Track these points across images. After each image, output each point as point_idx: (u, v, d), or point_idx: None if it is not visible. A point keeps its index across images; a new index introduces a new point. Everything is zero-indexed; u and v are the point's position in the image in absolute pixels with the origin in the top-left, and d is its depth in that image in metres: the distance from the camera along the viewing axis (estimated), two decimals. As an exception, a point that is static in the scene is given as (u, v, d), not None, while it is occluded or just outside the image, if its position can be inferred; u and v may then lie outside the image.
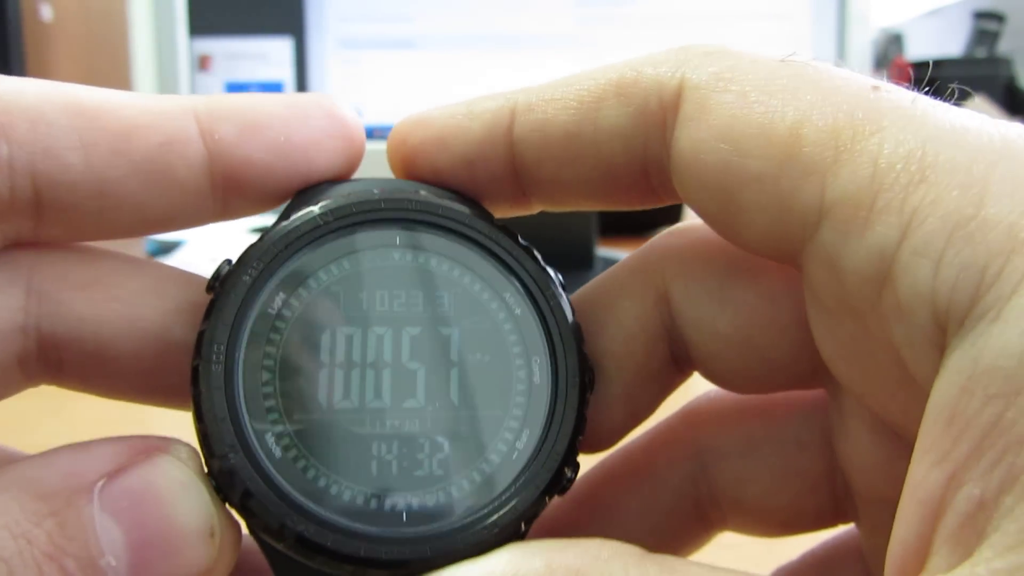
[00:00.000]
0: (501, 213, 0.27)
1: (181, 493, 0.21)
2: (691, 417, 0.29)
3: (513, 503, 0.22)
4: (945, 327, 0.18)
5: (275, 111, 0.24)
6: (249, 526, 0.22)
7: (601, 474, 0.29)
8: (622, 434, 0.27)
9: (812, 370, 0.25)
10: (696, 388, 0.29)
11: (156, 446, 0.21)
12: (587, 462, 0.28)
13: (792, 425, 0.27)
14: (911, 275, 0.18)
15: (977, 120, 0.20)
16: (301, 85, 0.90)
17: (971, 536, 0.17)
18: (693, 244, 0.26)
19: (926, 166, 0.18)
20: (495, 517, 0.22)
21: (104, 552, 0.19)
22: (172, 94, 0.89)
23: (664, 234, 0.27)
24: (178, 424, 0.25)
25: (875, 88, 0.21)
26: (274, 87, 0.90)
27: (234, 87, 0.90)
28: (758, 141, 0.21)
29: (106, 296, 0.24)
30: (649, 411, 0.27)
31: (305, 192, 0.25)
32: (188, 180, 0.23)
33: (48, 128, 0.22)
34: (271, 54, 0.89)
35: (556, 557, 0.20)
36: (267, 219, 0.25)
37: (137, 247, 1.11)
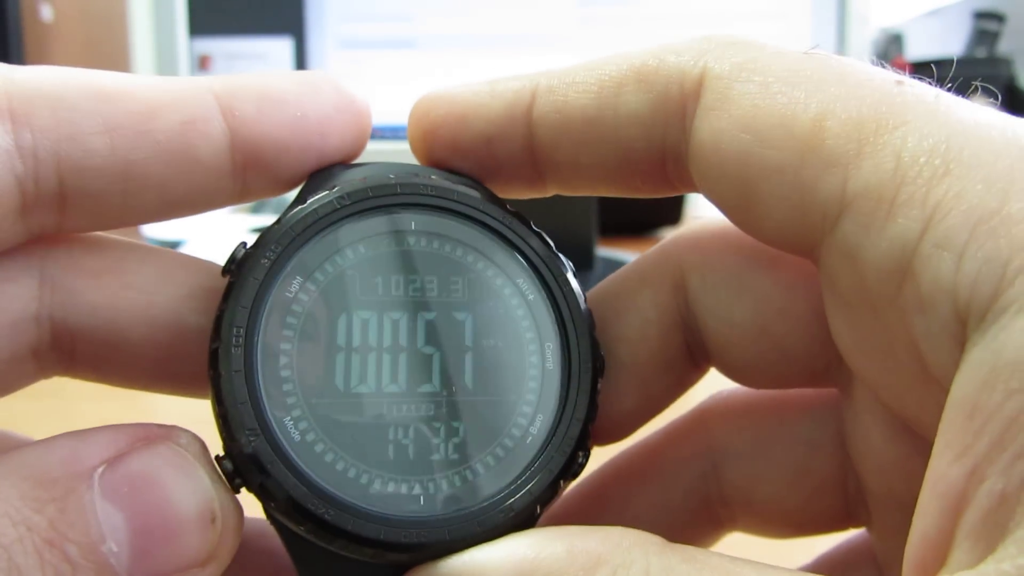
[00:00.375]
0: (516, 195, 0.27)
1: (182, 479, 0.21)
2: (703, 416, 0.29)
3: (528, 487, 0.23)
4: (966, 321, 0.18)
5: (289, 87, 0.24)
6: (267, 509, 0.22)
7: (612, 470, 0.29)
8: (635, 425, 0.27)
9: (826, 365, 0.25)
10: (708, 388, 0.29)
11: (156, 433, 0.21)
12: (599, 457, 0.29)
13: (804, 426, 0.27)
14: (932, 268, 0.18)
15: (1000, 117, 0.19)
16: (301, 85, 0.90)
17: (993, 531, 0.17)
18: (712, 237, 0.26)
19: (950, 160, 0.18)
20: (511, 501, 0.22)
21: (105, 538, 0.19)
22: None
23: (683, 229, 0.27)
24: (181, 419, 0.25)
25: (899, 83, 0.21)
26: (274, 87, 0.90)
27: (234, 87, 0.90)
28: (780, 132, 0.21)
29: (119, 284, 0.24)
30: (663, 403, 0.27)
31: (318, 175, 0.25)
32: (210, 159, 0.23)
33: (71, 113, 0.21)
34: (271, 54, 0.89)
35: (577, 542, 0.20)
36: (267, 219, 0.25)
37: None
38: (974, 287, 0.18)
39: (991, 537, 0.17)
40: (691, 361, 0.27)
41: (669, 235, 0.27)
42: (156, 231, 1.38)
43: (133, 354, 0.24)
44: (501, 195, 0.26)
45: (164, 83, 0.23)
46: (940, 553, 0.18)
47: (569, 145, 0.24)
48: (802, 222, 0.21)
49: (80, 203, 0.22)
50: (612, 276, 0.27)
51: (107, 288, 0.24)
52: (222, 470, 0.22)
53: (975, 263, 0.18)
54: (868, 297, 0.20)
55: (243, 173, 0.24)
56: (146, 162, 0.22)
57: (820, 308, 0.24)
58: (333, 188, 0.24)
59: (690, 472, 0.28)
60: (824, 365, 0.25)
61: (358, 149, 0.26)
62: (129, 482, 0.20)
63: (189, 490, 0.21)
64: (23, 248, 0.23)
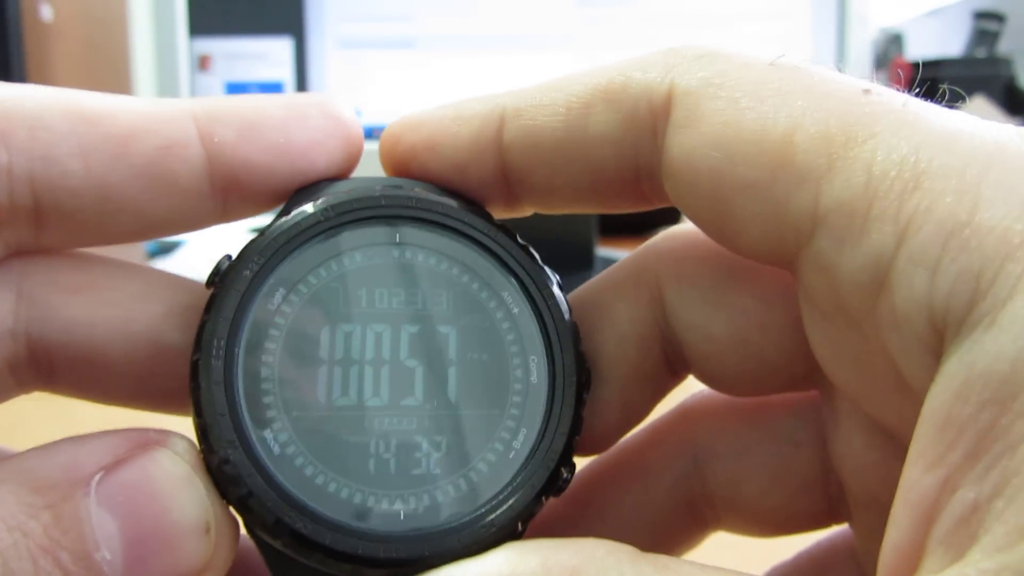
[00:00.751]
0: (496, 215, 0.27)
1: (177, 488, 0.20)
2: (685, 416, 0.29)
3: (510, 503, 0.22)
4: (942, 334, 0.18)
5: (274, 112, 0.24)
6: (247, 523, 0.22)
7: (595, 472, 0.29)
8: (617, 437, 0.27)
9: (807, 372, 0.25)
10: (691, 387, 0.29)
11: (154, 439, 0.21)
12: (582, 459, 0.28)
13: (786, 425, 0.27)
14: (907, 283, 0.18)
15: (970, 123, 0.20)
16: (301, 85, 0.90)
17: (964, 539, 0.17)
18: (687, 247, 0.26)
19: (920, 172, 0.18)
20: (492, 517, 0.22)
21: (100, 546, 0.19)
22: (172, 95, 0.89)
23: (658, 237, 0.27)
24: (173, 427, 0.25)
25: (866, 92, 0.21)
26: (274, 87, 0.90)
27: (234, 87, 0.90)
28: (750, 149, 0.21)
29: (97, 300, 0.23)
30: (643, 413, 0.27)
31: (304, 190, 0.25)
32: (188, 183, 0.23)
33: (48, 134, 0.21)
34: (271, 54, 0.89)
35: (552, 556, 0.20)
36: (267, 219, 0.25)
37: (137, 247, 1.11)
38: (948, 300, 0.18)
39: (961, 545, 0.17)
40: (670, 370, 0.27)
41: (645, 244, 0.27)
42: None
43: (112, 371, 0.24)
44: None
45: (144, 106, 0.23)
46: (912, 562, 0.18)
47: (542, 168, 0.24)
48: (777, 237, 0.21)
49: (56, 221, 0.22)
50: (586, 286, 0.27)
51: (85, 305, 0.23)
52: None
53: (949, 277, 0.18)
54: (844, 310, 0.20)
55: (223, 196, 0.24)
56: (122, 185, 0.22)
57: (798, 318, 0.23)
58: (317, 200, 0.24)
59: (673, 472, 0.28)
60: (804, 372, 0.25)
61: (348, 170, 0.25)
62: (125, 490, 0.20)
63: (185, 499, 0.20)
64: (1, 264, 0.23)
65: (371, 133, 0.91)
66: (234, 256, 0.23)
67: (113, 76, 1.45)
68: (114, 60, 1.42)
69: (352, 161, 0.25)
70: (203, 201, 0.24)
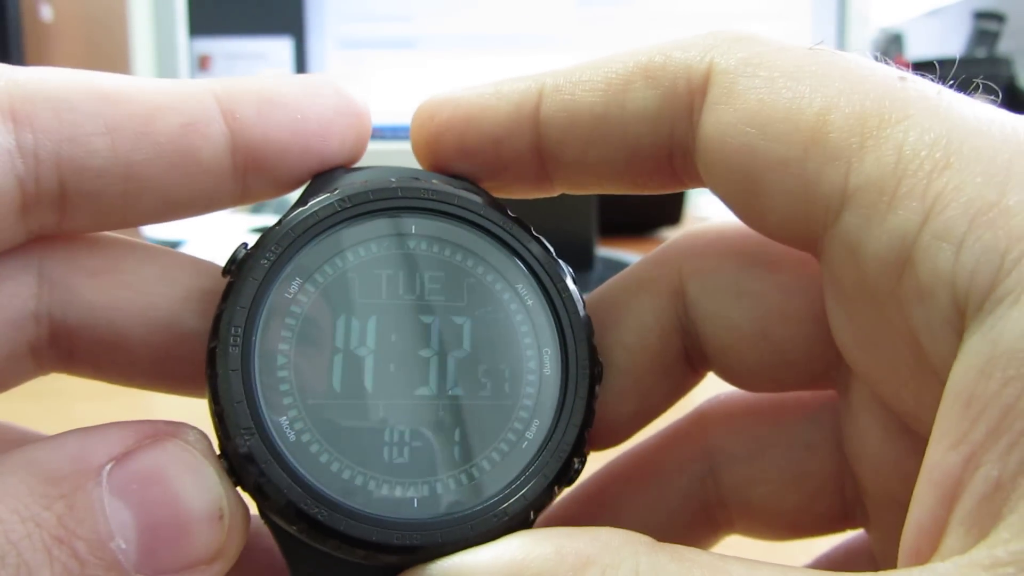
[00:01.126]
0: (521, 195, 0.27)
1: (190, 476, 0.21)
2: (701, 419, 0.29)
3: (522, 492, 0.23)
4: (964, 311, 0.18)
5: (289, 91, 0.24)
6: (261, 509, 0.22)
7: (610, 473, 0.29)
8: (632, 430, 0.27)
9: (825, 367, 0.25)
10: (707, 391, 0.29)
11: (164, 430, 0.21)
12: (597, 461, 0.29)
13: (802, 428, 0.27)
14: (932, 259, 0.18)
15: (1000, 114, 0.20)
16: (301, 85, 0.90)
17: (987, 517, 0.17)
18: (710, 241, 0.26)
19: (950, 153, 0.19)
20: (504, 506, 0.22)
21: (114, 534, 0.19)
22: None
23: (681, 234, 0.27)
24: (182, 417, 0.25)
25: (902, 79, 0.21)
26: (274, 87, 0.90)
27: (234, 87, 0.90)
28: (785, 126, 0.21)
29: (118, 283, 0.24)
30: (660, 409, 0.27)
31: (320, 178, 0.25)
32: (211, 161, 0.23)
33: (72, 115, 0.21)
34: (271, 54, 0.90)
35: (566, 543, 0.20)
36: (268, 219, 0.25)
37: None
38: (972, 277, 0.18)
39: (984, 524, 0.17)
40: (689, 366, 0.27)
41: (667, 240, 0.27)
42: (156, 231, 1.38)
43: (130, 353, 0.24)
44: (507, 196, 0.26)
45: (165, 85, 0.23)
46: (934, 540, 0.18)
47: (576, 143, 0.24)
48: (805, 214, 0.21)
49: (81, 203, 0.22)
50: (610, 281, 0.28)
51: (106, 287, 0.24)
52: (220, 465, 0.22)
53: (973, 254, 0.18)
54: (868, 289, 0.21)
55: (244, 175, 0.24)
56: (147, 163, 0.22)
57: (819, 311, 0.24)
58: (334, 191, 0.24)
59: (688, 475, 0.28)
60: (823, 367, 0.25)
61: (359, 151, 0.26)
62: (137, 479, 0.20)
63: (197, 487, 0.21)
64: (23, 246, 0.23)
65: (371, 133, 0.91)
66: (251, 245, 0.23)
67: (113, 76, 1.44)
68: (114, 60, 1.42)
69: (362, 141, 0.26)
70: (224, 179, 0.24)
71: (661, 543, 0.20)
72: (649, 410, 0.27)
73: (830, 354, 0.24)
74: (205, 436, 0.22)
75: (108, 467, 0.20)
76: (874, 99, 0.20)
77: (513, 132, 0.25)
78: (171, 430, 0.21)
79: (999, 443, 0.17)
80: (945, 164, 0.19)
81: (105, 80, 0.22)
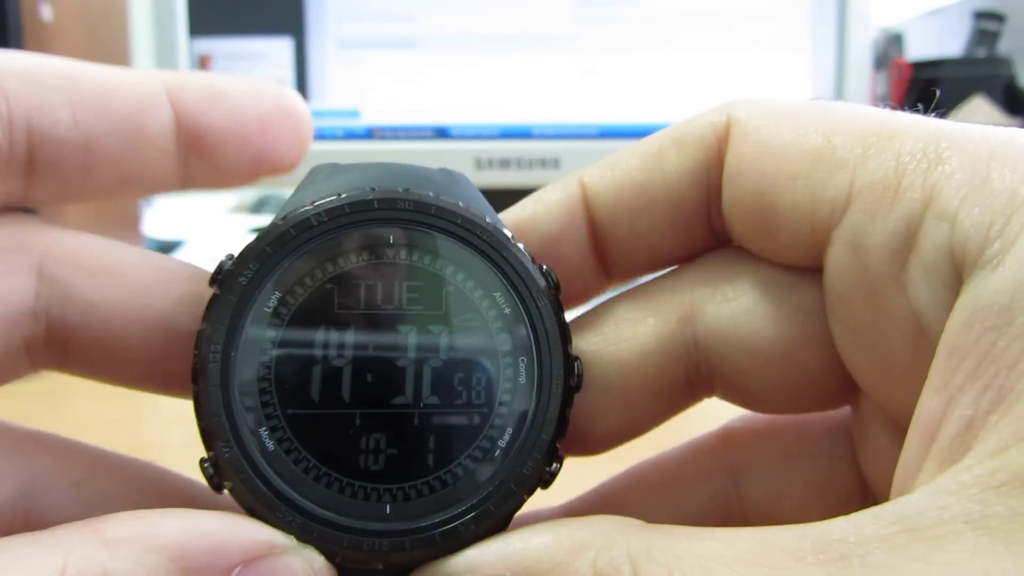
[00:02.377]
0: (582, 297, 0.28)
1: None
2: (727, 435, 0.30)
3: (492, 500, 0.23)
4: (962, 276, 0.20)
5: (234, 85, 0.26)
6: (249, 514, 0.23)
7: (631, 479, 0.30)
8: (617, 441, 0.28)
9: (841, 385, 0.26)
10: (731, 408, 0.29)
11: (294, 547, 0.22)
12: (616, 464, 0.29)
13: (826, 440, 0.28)
14: (932, 236, 0.21)
15: (983, 126, 0.22)
16: (301, 85, 0.90)
17: (958, 452, 0.18)
18: (724, 266, 0.27)
19: (942, 151, 0.21)
20: (474, 514, 0.23)
21: None
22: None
23: (696, 261, 0.28)
24: (183, 419, 0.25)
25: (894, 109, 0.24)
26: (274, 87, 0.90)
27: (234, 87, 0.90)
28: (793, 149, 0.24)
29: (116, 284, 0.24)
30: (647, 426, 0.28)
31: (318, 169, 0.26)
32: (159, 140, 0.24)
33: (40, 88, 0.23)
34: (271, 54, 0.90)
35: (562, 531, 0.21)
36: (267, 219, 0.26)
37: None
38: (965, 247, 0.20)
39: (955, 457, 0.18)
40: (687, 390, 0.27)
41: (680, 266, 0.28)
42: (157, 231, 1.38)
43: (126, 353, 0.25)
44: (566, 299, 0.27)
45: (120, 71, 0.25)
46: (913, 480, 0.19)
47: (626, 216, 0.26)
48: (812, 224, 0.23)
49: (45, 172, 0.24)
50: (616, 297, 0.28)
51: (104, 288, 0.24)
52: (203, 472, 0.23)
53: (964, 227, 0.20)
54: (869, 284, 0.22)
55: (186, 158, 0.25)
56: (104, 137, 0.24)
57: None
58: (312, 203, 0.24)
59: (709, 488, 0.29)
60: (839, 385, 0.26)
61: (299, 150, 0.27)
62: None
63: None
64: (23, 242, 0.24)
65: (371, 133, 0.91)
66: (234, 257, 0.24)
67: (113, 76, 1.44)
68: (114, 60, 1.41)
69: (302, 142, 0.27)
70: (171, 160, 0.25)
71: (651, 524, 0.21)
72: (634, 426, 0.28)
73: (845, 372, 0.25)
74: (328, 566, 0.23)
75: (236, 571, 0.21)
76: (871, 123, 0.23)
77: (570, 224, 0.27)
78: (297, 547, 0.22)
79: (975, 385, 0.18)
80: (938, 160, 0.21)
81: (68, 63, 0.24)
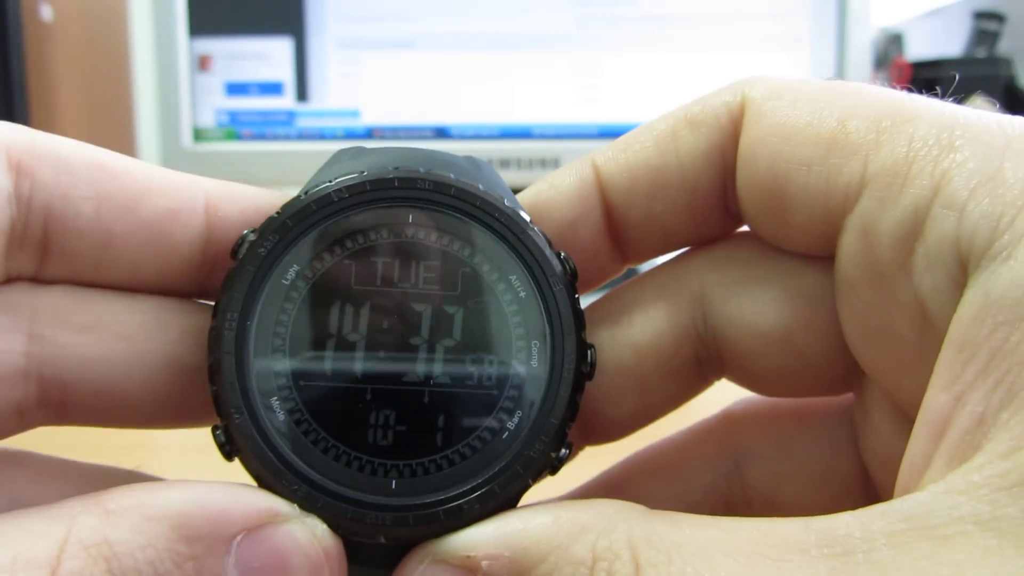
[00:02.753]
0: (599, 279, 0.28)
1: (307, 570, 0.22)
2: (729, 419, 0.30)
3: (496, 482, 0.23)
4: (967, 269, 0.20)
5: (275, 203, 0.25)
6: (258, 484, 0.23)
7: (635, 463, 0.30)
8: (630, 428, 0.28)
9: (844, 372, 0.26)
10: (734, 391, 0.29)
11: (297, 515, 0.22)
12: (622, 451, 0.29)
13: (827, 427, 0.28)
14: (939, 226, 0.20)
15: (994, 114, 0.22)
16: (301, 85, 0.90)
17: (968, 449, 0.18)
18: (733, 252, 0.27)
19: (955, 139, 0.21)
20: (478, 494, 0.23)
21: None
22: (172, 95, 0.89)
23: (705, 247, 0.28)
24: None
25: (910, 91, 0.23)
26: (274, 87, 0.90)
27: (234, 87, 0.90)
28: (807, 133, 0.23)
29: (111, 336, 0.24)
30: (661, 411, 0.28)
31: (343, 152, 0.26)
32: (184, 248, 0.25)
33: (70, 177, 0.23)
34: (271, 54, 0.89)
35: (563, 513, 0.21)
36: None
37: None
38: (972, 239, 0.20)
39: (965, 455, 0.18)
40: (698, 373, 0.27)
41: (686, 251, 0.28)
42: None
43: (129, 399, 0.25)
44: (583, 282, 0.27)
45: (162, 170, 0.25)
46: (921, 475, 0.19)
47: (641, 199, 0.26)
48: (825, 209, 0.23)
49: (58, 258, 0.24)
50: (629, 282, 0.28)
51: (99, 342, 0.24)
52: (215, 439, 0.23)
53: (973, 218, 0.20)
54: (878, 269, 0.22)
55: (212, 268, 0.25)
56: (126, 236, 0.24)
57: (838, 318, 0.25)
58: (333, 180, 0.24)
59: (712, 472, 0.29)
60: (842, 372, 0.26)
61: None
62: (261, 558, 0.21)
63: None
64: (12, 302, 0.24)
65: (371, 133, 0.91)
66: (255, 231, 0.24)
67: (113, 76, 1.45)
68: (114, 60, 1.42)
69: None
70: (192, 269, 0.25)
71: (654, 511, 0.21)
72: (649, 411, 0.27)
73: (848, 359, 0.25)
74: (331, 534, 0.23)
75: (239, 539, 0.21)
76: (886, 106, 0.23)
77: (585, 208, 0.26)
78: (300, 515, 0.22)
79: (986, 382, 0.18)
80: (950, 147, 0.21)
81: (108, 155, 0.24)
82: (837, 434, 0.28)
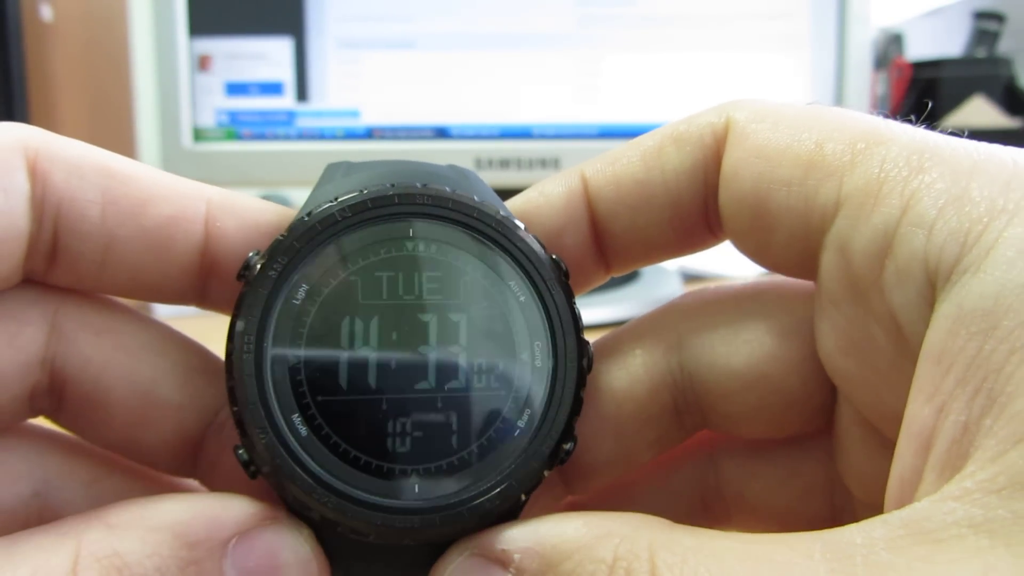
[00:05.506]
0: (583, 286, 0.29)
1: (296, 565, 0.23)
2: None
3: (514, 477, 0.25)
4: (935, 285, 0.21)
5: (272, 219, 0.26)
6: (283, 499, 0.24)
7: None
8: (610, 473, 0.29)
9: (821, 403, 0.27)
10: None
11: (279, 516, 0.24)
12: None
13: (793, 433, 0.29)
14: (908, 243, 0.21)
15: (965, 140, 0.23)
16: (301, 85, 0.90)
17: (957, 459, 0.19)
18: (707, 299, 0.29)
19: (924, 160, 0.22)
20: (498, 490, 0.24)
21: None
22: (172, 95, 0.89)
23: (679, 296, 0.29)
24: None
25: (886, 118, 0.25)
26: (274, 87, 0.90)
27: (234, 87, 0.90)
28: (787, 155, 0.24)
29: (114, 344, 0.26)
30: (641, 458, 0.29)
31: (333, 167, 0.28)
32: (183, 255, 0.25)
33: (79, 180, 0.24)
34: (271, 54, 0.89)
35: (593, 519, 0.22)
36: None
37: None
38: (941, 255, 0.20)
39: (955, 464, 0.18)
40: (676, 421, 0.28)
41: (665, 303, 0.30)
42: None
43: (107, 413, 0.26)
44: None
45: (166, 177, 0.26)
46: (913, 488, 0.20)
47: (626, 212, 0.27)
48: (805, 228, 0.24)
49: (64, 260, 0.25)
50: (607, 334, 0.30)
51: (103, 346, 0.26)
52: (238, 459, 0.24)
53: (941, 235, 0.21)
54: (854, 285, 0.23)
55: (207, 278, 0.26)
56: (128, 240, 0.25)
57: (812, 351, 0.26)
58: (335, 200, 0.25)
59: (691, 467, 0.30)
60: (819, 403, 0.27)
61: None
62: (255, 558, 0.23)
63: (299, 575, 0.23)
64: (40, 297, 0.25)
65: (371, 133, 0.91)
66: (261, 252, 0.25)
67: (113, 76, 1.44)
68: (114, 60, 1.42)
69: None
70: (189, 276, 0.26)
71: (678, 524, 0.22)
72: (629, 457, 0.28)
73: (824, 390, 0.26)
74: (313, 536, 0.24)
75: (233, 541, 0.22)
76: (861, 130, 0.24)
77: (572, 217, 0.27)
78: (284, 516, 0.24)
79: (966, 390, 0.19)
80: (920, 169, 0.22)
81: (114, 159, 0.25)
82: (806, 440, 0.29)
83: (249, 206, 0.26)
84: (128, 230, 0.25)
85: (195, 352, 0.27)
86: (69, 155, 0.24)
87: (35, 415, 0.26)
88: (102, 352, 0.25)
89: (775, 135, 0.25)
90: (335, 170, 0.28)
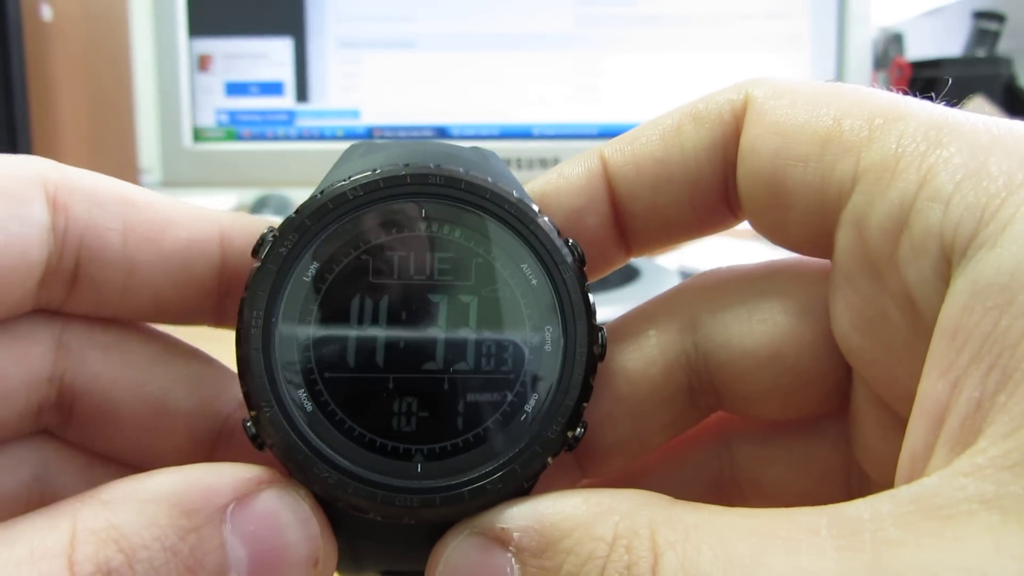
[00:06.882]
0: (604, 268, 0.29)
1: (297, 524, 0.23)
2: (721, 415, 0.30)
3: (518, 461, 0.24)
4: (950, 260, 0.20)
5: None
6: (288, 471, 0.24)
7: None
8: (625, 456, 0.29)
9: (835, 383, 0.27)
10: None
11: (276, 478, 0.24)
12: None
13: (810, 418, 0.29)
14: (924, 218, 0.21)
15: (982, 115, 0.23)
16: (301, 85, 0.90)
17: (969, 435, 0.18)
18: (721, 280, 0.28)
19: (942, 135, 0.22)
20: (501, 473, 0.24)
21: (230, 569, 0.22)
22: (172, 95, 0.89)
23: (692, 276, 0.29)
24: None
25: (905, 93, 0.24)
26: (274, 87, 0.90)
27: (234, 87, 0.90)
28: (805, 131, 0.24)
29: (122, 359, 0.26)
30: (655, 439, 0.28)
31: (355, 147, 0.28)
32: (202, 278, 0.26)
33: (100, 210, 0.25)
34: (271, 54, 0.89)
35: (592, 496, 0.22)
36: (266, 219, 0.26)
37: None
38: (957, 229, 0.20)
39: (967, 440, 0.18)
40: (691, 401, 0.28)
41: (678, 283, 0.29)
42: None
43: (119, 425, 0.26)
44: (589, 270, 0.27)
45: (181, 206, 0.26)
46: (924, 463, 0.20)
47: (646, 191, 0.27)
48: (821, 204, 0.24)
49: (86, 288, 0.25)
50: (622, 316, 0.29)
51: (111, 361, 0.26)
52: (246, 431, 0.24)
53: (958, 210, 0.20)
54: (870, 261, 0.23)
55: (224, 298, 0.27)
56: (149, 265, 0.25)
57: (826, 331, 0.26)
58: (348, 178, 0.25)
59: (705, 450, 0.30)
60: (833, 384, 0.27)
61: None
62: (255, 521, 0.23)
63: (302, 535, 0.23)
64: (47, 318, 0.26)
65: (371, 133, 0.91)
66: (275, 229, 0.25)
67: (113, 76, 1.44)
68: (114, 60, 1.42)
69: None
70: (208, 298, 0.27)
71: (678, 500, 0.22)
72: (643, 438, 0.28)
73: (838, 369, 0.26)
74: (310, 495, 0.24)
75: (231, 507, 0.22)
76: (880, 106, 0.23)
77: (592, 198, 0.27)
78: (280, 479, 0.24)
79: (980, 366, 0.18)
80: (938, 144, 0.22)
81: (132, 189, 0.26)
82: (821, 423, 0.29)
83: (261, 228, 0.26)
84: (148, 255, 0.25)
85: (201, 359, 0.28)
86: (87, 185, 0.25)
87: (41, 428, 0.27)
88: (111, 367, 0.26)
89: (793, 111, 0.25)
90: (355, 150, 0.28)
